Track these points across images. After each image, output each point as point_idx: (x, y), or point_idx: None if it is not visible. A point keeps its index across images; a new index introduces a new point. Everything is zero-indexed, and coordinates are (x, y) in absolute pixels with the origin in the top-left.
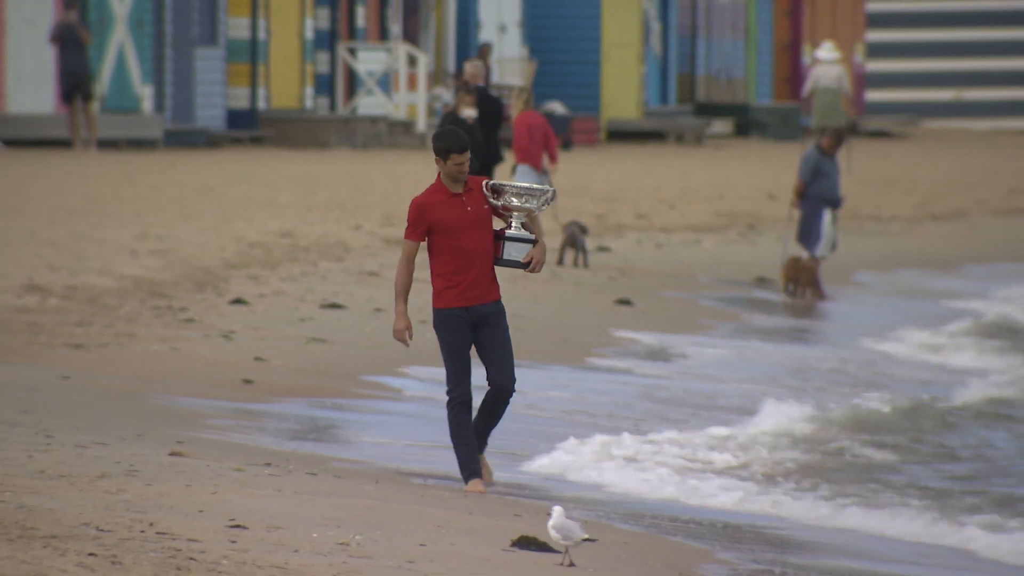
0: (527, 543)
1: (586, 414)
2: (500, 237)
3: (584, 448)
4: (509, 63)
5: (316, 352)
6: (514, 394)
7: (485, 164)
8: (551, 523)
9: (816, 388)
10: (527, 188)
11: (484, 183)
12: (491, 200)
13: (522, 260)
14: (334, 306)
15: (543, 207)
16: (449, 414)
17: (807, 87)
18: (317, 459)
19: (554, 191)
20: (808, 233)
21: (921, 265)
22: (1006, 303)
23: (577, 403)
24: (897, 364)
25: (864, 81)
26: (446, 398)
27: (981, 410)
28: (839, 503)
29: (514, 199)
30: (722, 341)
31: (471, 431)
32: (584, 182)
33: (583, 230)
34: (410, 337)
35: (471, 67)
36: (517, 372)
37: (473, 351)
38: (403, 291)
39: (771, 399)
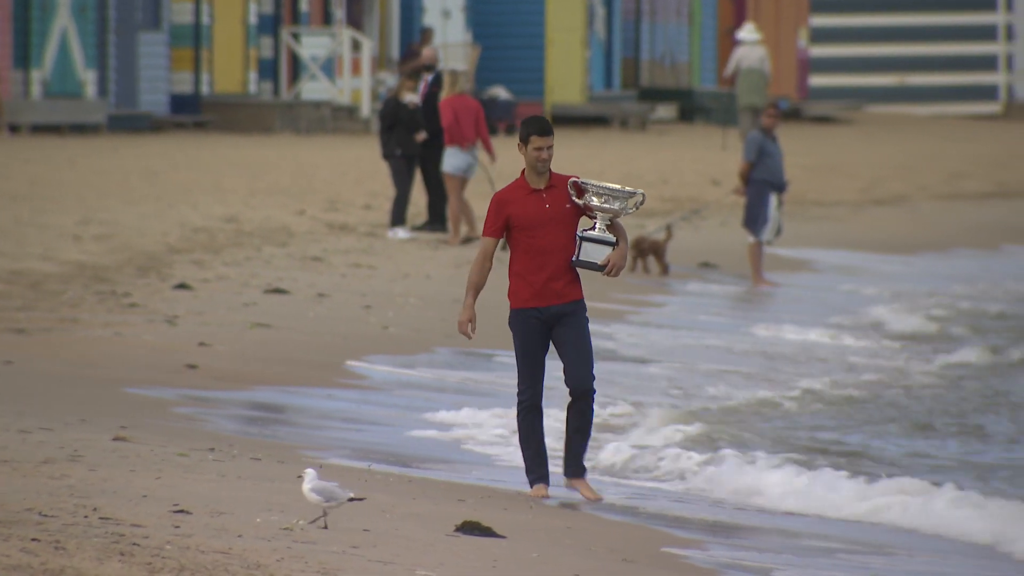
0: (471, 528)
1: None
2: (580, 237)
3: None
4: (453, 48)
5: (260, 337)
6: (595, 396)
7: (429, 146)
8: (307, 486)
9: (723, 372)
10: (609, 189)
11: (569, 181)
12: (574, 198)
13: (599, 263)
14: (278, 291)
15: (630, 210)
16: (518, 418)
17: (730, 68)
18: (261, 444)
19: (643, 195)
20: (754, 217)
21: (862, 249)
22: (929, 292)
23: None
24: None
25: (808, 66)
26: (516, 401)
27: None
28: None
29: (595, 199)
30: (641, 327)
31: (539, 436)
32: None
33: None
34: (473, 331)
35: (429, 51)
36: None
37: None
38: (473, 286)
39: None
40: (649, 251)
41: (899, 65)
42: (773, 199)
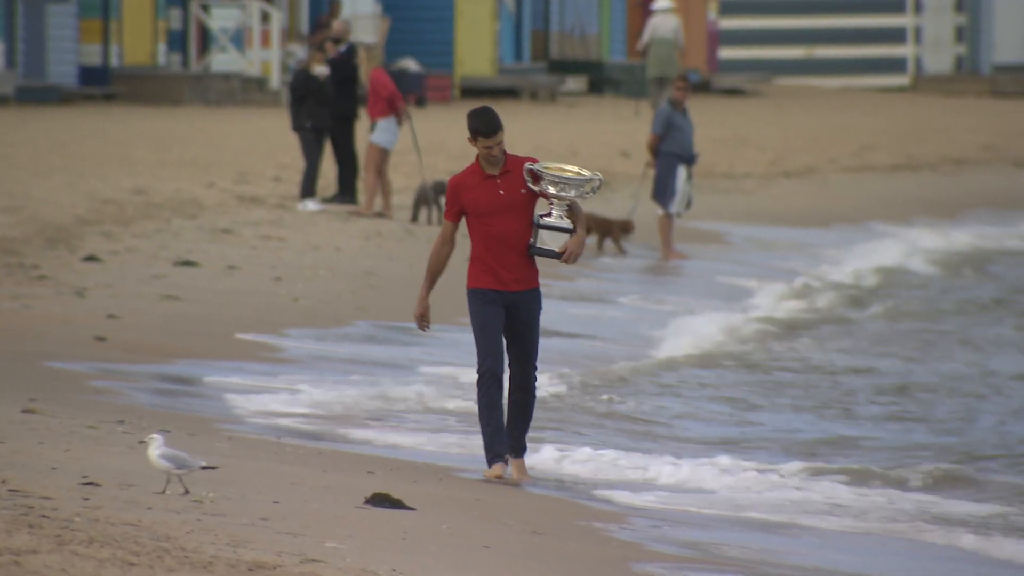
0: (381, 500)
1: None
2: (536, 224)
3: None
4: (362, 20)
5: (170, 309)
6: (535, 390)
7: (340, 118)
8: (155, 453)
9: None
10: (565, 177)
11: (525, 167)
12: (530, 185)
13: (556, 250)
14: (188, 264)
15: (587, 195)
16: (478, 392)
17: (644, 38)
18: (171, 417)
19: (600, 179)
20: (663, 190)
21: (770, 223)
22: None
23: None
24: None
25: (717, 38)
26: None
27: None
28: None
29: (550, 187)
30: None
31: (500, 412)
32: (438, 139)
33: (436, 187)
34: (427, 326)
35: (340, 23)
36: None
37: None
38: (429, 272)
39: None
40: (614, 231)
41: (808, 38)
42: (682, 172)
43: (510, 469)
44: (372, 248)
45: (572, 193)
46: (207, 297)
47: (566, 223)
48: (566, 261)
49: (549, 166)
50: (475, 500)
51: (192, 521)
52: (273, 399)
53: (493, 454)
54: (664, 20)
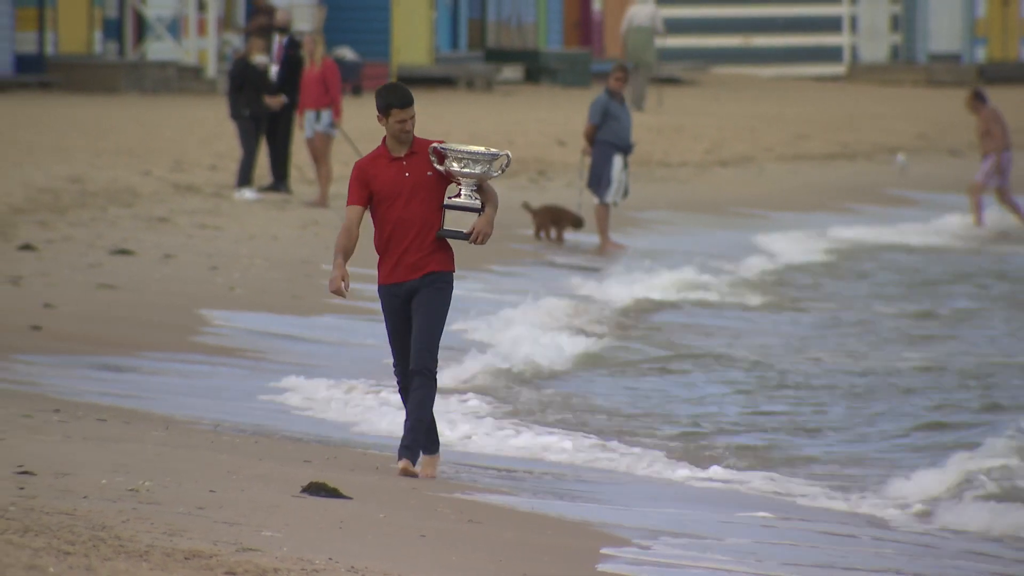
0: (317, 489)
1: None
2: (444, 206)
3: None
4: (299, 8)
5: (106, 298)
6: (434, 378)
7: (285, 107)
8: None
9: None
10: (470, 152)
11: (430, 147)
12: (436, 165)
13: (464, 231)
14: (124, 252)
15: (495, 173)
16: (400, 393)
17: (624, 26)
18: (106, 407)
19: (508, 156)
20: (598, 179)
21: (697, 210)
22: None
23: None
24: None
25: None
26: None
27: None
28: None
29: (455, 164)
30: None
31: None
32: (373, 127)
33: None
34: (346, 288)
35: (283, 13)
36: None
37: None
38: (340, 250)
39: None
40: (564, 222)
41: (744, 26)
42: (618, 161)
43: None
44: (309, 237)
45: (477, 170)
46: (143, 286)
47: (473, 202)
48: (474, 241)
49: (454, 144)
50: (411, 489)
51: (128, 510)
52: (209, 387)
53: (402, 447)
54: (641, 8)
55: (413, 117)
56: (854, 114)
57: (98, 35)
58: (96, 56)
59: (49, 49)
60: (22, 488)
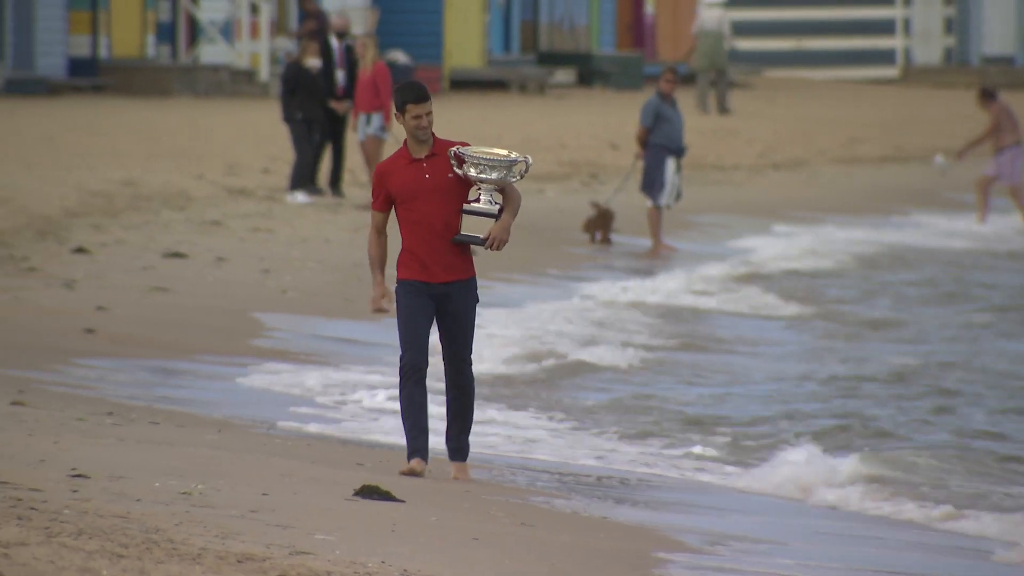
0: (369, 492)
1: None
2: (462, 210)
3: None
4: (352, 12)
5: (159, 301)
6: (475, 388)
7: (333, 111)
8: None
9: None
10: (488, 158)
11: (449, 150)
12: (455, 169)
13: (480, 237)
14: (176, 255)
15: (514, 178)
16: (399, 386)
17: (694, 30)
18: (159, 410)
19: (527, 161)
20: (651, 182)
21: (752, 214)
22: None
23: None
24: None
25: None
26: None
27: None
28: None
29: (472, 170)
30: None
31: (418, 407)
32: None
33: None
34: (388, 304)
35: (340, 18)
36: None
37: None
38: (374, 262)
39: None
40: (607, 222)
41: (797, 29)
42: (671, 164)
43: (427, 464)
44: (360, 240)
45: (494, 175)
46: (196, 289)
47: (490, 208)
48: (489, 248)
49: (474, 148)
50: (464, 492)
51: (181, 513)
52: (265, 391)
53: (411, 449)
54: (711, 12)
55: (430, 113)
56: (907, 117)
57: (151, 38)
58: (149, 59)
59: (102, 52)
60: (76, 491)
